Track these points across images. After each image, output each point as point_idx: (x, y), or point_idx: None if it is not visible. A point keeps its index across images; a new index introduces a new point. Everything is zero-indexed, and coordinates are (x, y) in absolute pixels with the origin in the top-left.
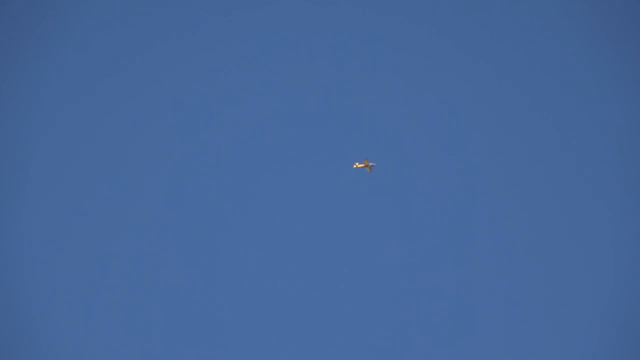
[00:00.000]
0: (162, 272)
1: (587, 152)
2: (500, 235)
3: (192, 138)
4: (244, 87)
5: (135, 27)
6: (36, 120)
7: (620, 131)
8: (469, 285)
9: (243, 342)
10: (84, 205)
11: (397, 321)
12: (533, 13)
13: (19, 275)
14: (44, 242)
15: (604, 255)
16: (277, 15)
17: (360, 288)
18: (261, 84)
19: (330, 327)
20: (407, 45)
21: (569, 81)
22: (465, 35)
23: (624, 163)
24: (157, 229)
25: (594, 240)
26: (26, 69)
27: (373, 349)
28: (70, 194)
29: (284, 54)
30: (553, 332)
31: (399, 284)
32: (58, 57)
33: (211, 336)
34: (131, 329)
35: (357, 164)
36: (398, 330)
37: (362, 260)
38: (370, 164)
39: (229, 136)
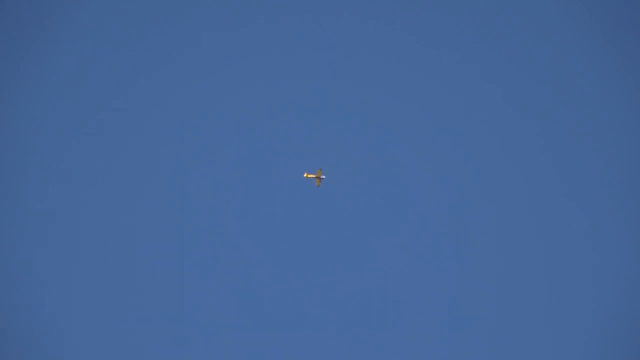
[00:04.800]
0: (162, 272)
1: (587, 151)
2: (501, 234)
3: (192, 140)
4: (242, 83)
5: (132, 28)
6: (36, 121)
7: (620, 132)
8: (468, 285)
9: (245, 342)
10: (86, 205)
11: (397, 320)
12: (530, 16)
13: (20, 276)
14: (45, 241)
15: (605, 255)
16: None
17: (362, 286)
18: (256, 83)
19: (331, 328)
20: (405, 45)
21: (570, 79)
22: (461, 35)
23: (625, 163)
24: (157, 229)
25: (594, 240)
26: (27, 69)
27: (374, 347)
28: (72, 193)
29: (276, 56)
30: (553, 331)
31: (397, 281)
32: (59, 57)
33: (212, 337)
34: (132, 330)
35: (307, 173)
36: (398, 329)
37: (359, 258)
38: (322, 176)
39: (229, 135)
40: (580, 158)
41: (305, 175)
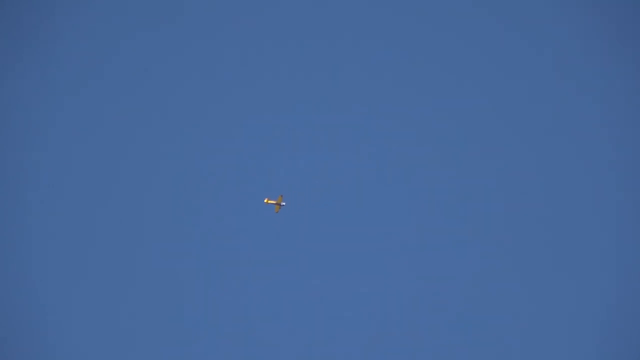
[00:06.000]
0: (163, 272)
1: (588, 151)
2: (501, 235)
3: (192, 140)
4: (242, 81)
5: (132, 26)
6: (36, 121)
7: (621, 131)
8: (468, 286)
9: (243, 343)
10: (85, 205)
11: (396, 320)
12: (534, 12)
13: (21, 275)
14: (46, 241)
15: (606, 256)
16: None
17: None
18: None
19: (331, 328)
20: (399, 47)
21: (569, 77)
22: (464, 32)
23: (626, 163)
24: (157, 231)
25: (594, 241)
26: (28, 70)
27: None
28: (74, 192)
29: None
30: (554, 331)
31: (397, 282)
32: (61, 57)
33: (211, 338)
34: (132, 330)
35: (268, 199)
36: (398, 330)
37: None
38: (282, 203)
39: (230, 137)
40: (583, 158)
41: (265, 200)
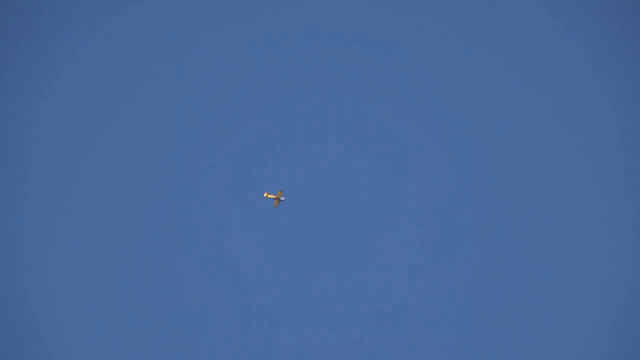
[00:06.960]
0: (159, 271)
1: (587, 151)
2: (499, 236)
3: (187, 139)
4: (239, 83)
5: (132, 25)
6: (35, 121)
7: (620, 131)
8: (467, 288)
9: (240, 343)
10: (84, 203)
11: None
12: (536, 14)
13: (19, 276)
14: (44, 240)
15: (605, 255)
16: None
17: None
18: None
19: (330, 329)
20: (400, 44)
21: (568, 78)
22: (457, 33)
23: (625, 163)
24: (156, 231)
25: (594, 241)
26: (29, 71)
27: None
28: (71, 192)
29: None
30: (554, 332)
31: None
32: (62, 58)
33: (207, 337)
34: (130, 330)
35: (267, 193)
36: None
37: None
38: (282, 198)
39: (226, 136)
40: (580, 156)
41: (265, 195)
